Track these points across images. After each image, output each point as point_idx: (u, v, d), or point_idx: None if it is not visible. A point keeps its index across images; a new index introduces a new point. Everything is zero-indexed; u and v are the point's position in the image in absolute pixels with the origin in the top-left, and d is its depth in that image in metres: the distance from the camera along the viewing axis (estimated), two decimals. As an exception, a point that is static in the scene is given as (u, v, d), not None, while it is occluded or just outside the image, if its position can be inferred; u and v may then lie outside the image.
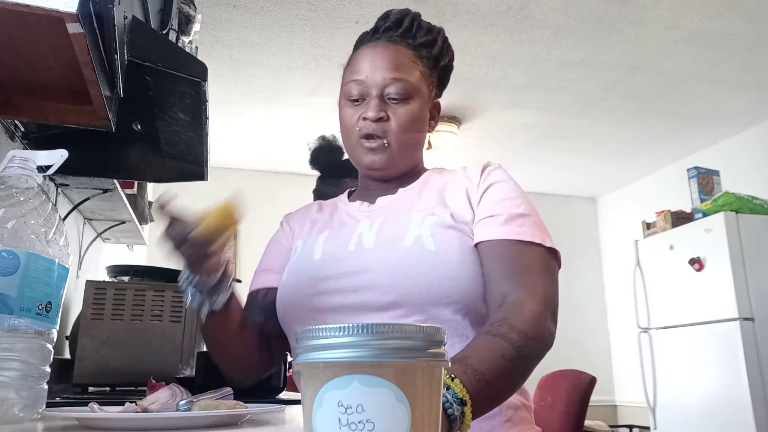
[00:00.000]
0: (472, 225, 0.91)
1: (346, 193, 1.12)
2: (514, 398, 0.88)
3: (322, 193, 2.07)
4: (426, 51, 1.02)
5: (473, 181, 0.97)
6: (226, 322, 0.92)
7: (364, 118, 0.97)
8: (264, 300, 1.03)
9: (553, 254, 0.89)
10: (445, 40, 1.06)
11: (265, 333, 1.01)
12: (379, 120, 0.97)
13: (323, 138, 2.32)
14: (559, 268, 0.91)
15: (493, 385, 0.68)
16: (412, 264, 0.85)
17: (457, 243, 0.87)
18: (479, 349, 0.73)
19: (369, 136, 0.98)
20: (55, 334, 0.69)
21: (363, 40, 1.05)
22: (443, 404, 0.56)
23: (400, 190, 1.02)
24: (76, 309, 1.95)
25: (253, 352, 1.00)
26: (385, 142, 0.97)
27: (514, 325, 0.76)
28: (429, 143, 1.12)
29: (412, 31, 1.02)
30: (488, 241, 0.88)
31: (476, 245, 0.88)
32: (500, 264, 0.85)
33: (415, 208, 0.95)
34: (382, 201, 1.01)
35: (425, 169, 1.08)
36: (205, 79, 1.02)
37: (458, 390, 0.61)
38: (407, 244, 0.87)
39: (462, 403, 0.60)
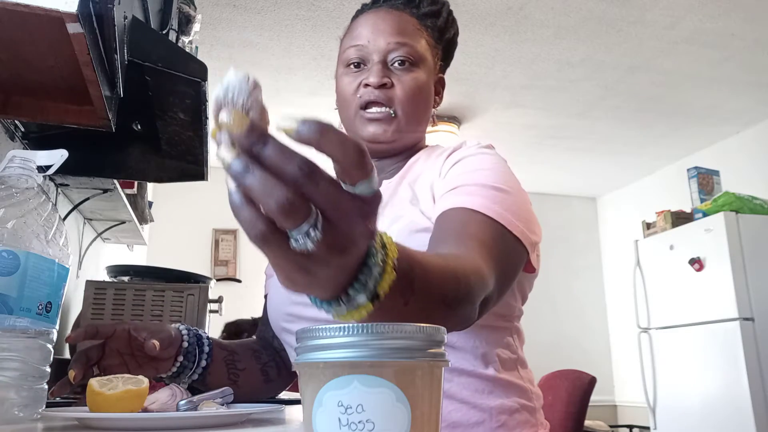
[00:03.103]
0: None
1: None
2: (509, 401, 0.84)
3: None
4: (431, 21, 0.96)
5: (437, 167, 0.87)
6: (213, 383, 0.88)
7: (366, 85, 0.89)
8: None
9: (514, 239, 0.72)
10: (450, 12, 1.00)
11: (277, 348, 1.01)
12: (382, 86, 0.89)
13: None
14: (527, 265, 0.77)
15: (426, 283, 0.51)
16: None
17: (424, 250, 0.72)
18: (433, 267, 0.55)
19: (371, 104, 0.90)
20: (55, 334, 0.69)
21: (361, 10, 0.99)
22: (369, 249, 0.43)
23: (384, 182, 0.94)
24: (76, 309, 1.95)
25: (259, 387, 0.99)
26: (392, 111, 0.89)
27: (464, 262, 0.61)
28: (434, 119, 1.05)
29: (415, 0, 0.96)
30: (439, 215, 0.74)
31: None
32: (442, 229, 0.71)
33: (386, 210, 0.86)
34: None
35: (423, 147, 0.99)
36: (205, 79, 1.02)
37: (389, 243, 0.45)
38: None
39: (385, 251, 0.44)
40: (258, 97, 0.38)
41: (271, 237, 0.37)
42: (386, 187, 0.92)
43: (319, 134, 0.35)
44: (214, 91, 0.37)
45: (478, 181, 0.78)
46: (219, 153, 0.36)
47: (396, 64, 0.90)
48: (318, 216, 0.37)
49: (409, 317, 0.42)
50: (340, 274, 0.41)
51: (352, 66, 0.93)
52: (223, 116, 0.36)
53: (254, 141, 0.35)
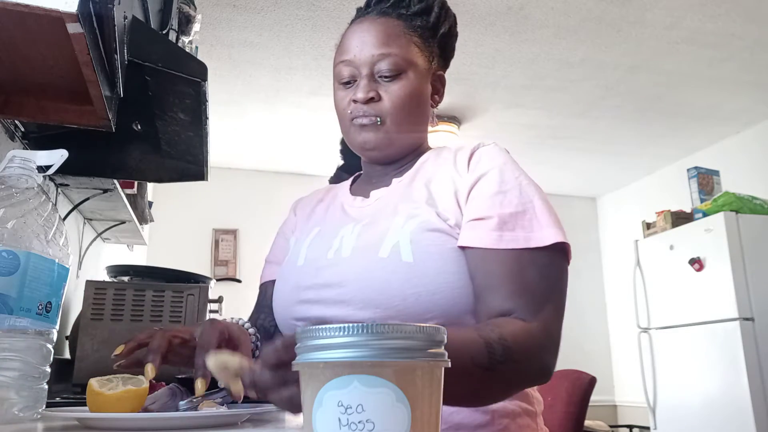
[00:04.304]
0: (460, 225, 0.84)
1: (351, 180, 1.08)
2: (512, 404, 0.84)
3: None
4: (421, 20, 0.95)
5: (461, 171, 0.89)
6: None
7: (354, 101, 0.92)
8: (271, 292, 1.02)
9: (556, 251, 0.80)
10: (443, 5, 0.99)
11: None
12: (369, 101, 0.91)
13: None
14: (568, 261, 0.83)
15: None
16: (386, 279, 0.79)
17: (438, 250, 0.80)
18: (452, 337, 0.64)
19: (360, 118, 0.92)
20: (55, 334, 0.69)
21: (355, 17, 0.99)
22: None
23: (394, 181, 0.96)
24: (76, 309, 1.95)
25: None
26: (378, 119, 0.91)
27: (505, 338, 0.69)
28: (434, 119, 1.05)
29: (404, 0, 0.96)
30: (478, 249, 0.80)
31: (462, 248, 0.81)
32: (497, 280, 0.77)
33: (400, 207, 0.88)
34: (375, 195, 0.96)
35: (428, 149, 1.01)
36: (205, 79, 1.02)
37: None
38: (383, 255, 0.81)
39: None
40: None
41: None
42: (396, 186, 0.94)
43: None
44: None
45: (506, 210, 0.81)
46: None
47: (382, 76, 0.92)
48: None
49: (452, 381, 0.45)
50: None
51: (343, 82, 0.95)
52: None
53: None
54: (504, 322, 0.73)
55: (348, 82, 0.94)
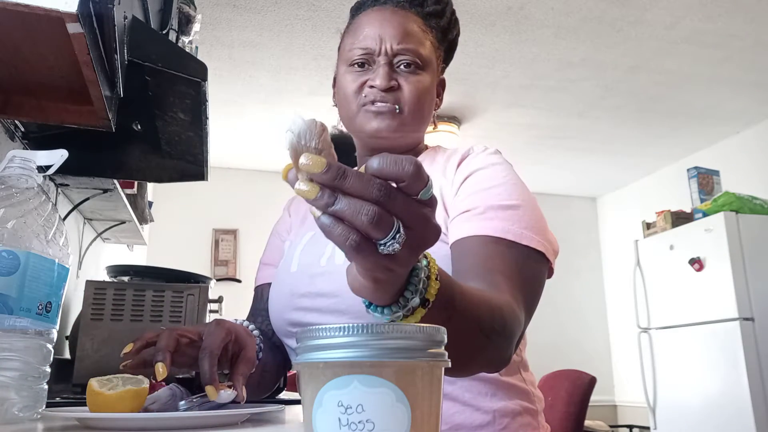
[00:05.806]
0: (447, 229, 0.81)
1: None
2: (512, 403, 0.84)
3: None
4: (435, 21, 0.95)
5: (448, 176, 0.88)
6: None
7: (371, 86, 0.88)
8: (267, 295, 1.02)
9: (538, 255, 0.76)
10: (453, 12, 0.99)
11: (276, 343, 1.01)
12: (389, 90, 0.88)
13: (336, 129, 2.22)
14: (548, 271, 0.79)
15: (459, 314, 0.56)
16: None
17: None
18: (470, 290, 0.60)
19: (375, 103, 0.88)
20: (55, 334, 0.69)
21: (364, 5, 0.96)
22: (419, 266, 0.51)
23: None
24: (76, 309, 1.95)
25: (272, 384, 1.00)
26: (397, 107, 0.88)
27: (503, 310, 0.64)
28: (434, 122, 1.05)
29: None
30: (457, 241, 0.77)
31: (453, 242, 0.78)
32: (466, 263, 0.73)
33: None
34: None
35: (424, 149, 0.99)
36: (205, 79, 1.02)
37: (431, 260, 0.52)
38: None
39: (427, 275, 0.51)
40: (327, 138, 0.45)
41: (364, 245, 0.43)
42: None
43: (381, 166, 0.43)
44: (285, 136, 0.44)
45: (493, 202, 0.79)
46: (298, 187, 0.43)
47: (402, 66, 0.90)
48: (399, 224, 0.44)
49: (451, 335, 0.44)
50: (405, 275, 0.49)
51: (356, 65, 0.91)
52: (303, 160, 0.43)
53: (334, 176, 0.42)
54: (502, 294, 0.68)
55: (362, 64, 0.91)
